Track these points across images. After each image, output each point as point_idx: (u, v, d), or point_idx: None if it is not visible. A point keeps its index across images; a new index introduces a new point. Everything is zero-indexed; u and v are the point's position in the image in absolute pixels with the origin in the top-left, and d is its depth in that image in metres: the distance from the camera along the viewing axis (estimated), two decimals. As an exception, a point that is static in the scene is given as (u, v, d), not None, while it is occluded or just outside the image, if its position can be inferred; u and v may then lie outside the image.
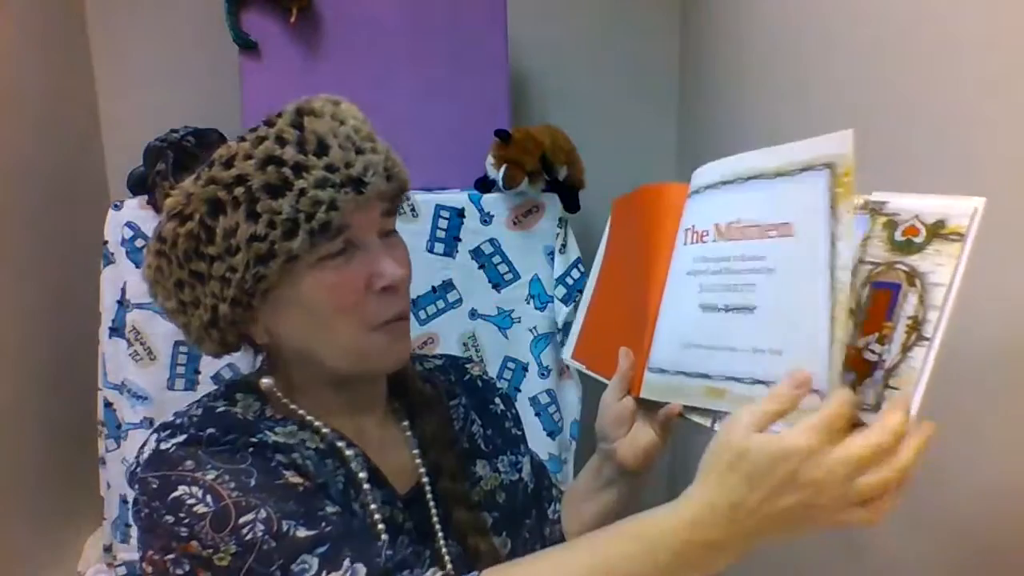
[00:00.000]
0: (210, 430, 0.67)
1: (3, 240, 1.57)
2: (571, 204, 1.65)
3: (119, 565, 1.62)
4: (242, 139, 0.68)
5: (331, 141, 0.68)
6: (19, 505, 1.59)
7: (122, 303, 1.56)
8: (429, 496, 0.79)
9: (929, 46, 0.88)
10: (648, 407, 0.77)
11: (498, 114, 1.67)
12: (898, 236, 0.57)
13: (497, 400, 0.93)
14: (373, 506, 0.73)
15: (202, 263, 0.68)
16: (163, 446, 0.66)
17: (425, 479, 0.79)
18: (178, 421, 0.70)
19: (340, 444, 0.74)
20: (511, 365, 1.67)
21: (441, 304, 1.64)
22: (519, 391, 1.66)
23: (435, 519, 0.78)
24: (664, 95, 2.13)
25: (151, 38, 2.00)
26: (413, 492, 0.79)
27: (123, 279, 1.56)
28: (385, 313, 0.71)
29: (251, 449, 0.67)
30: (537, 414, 1.66)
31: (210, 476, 0.63)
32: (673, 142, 2.15)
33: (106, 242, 1.57)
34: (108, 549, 1.65)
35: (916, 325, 0.54)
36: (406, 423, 0.82)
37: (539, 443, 1.64)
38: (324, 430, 0.74)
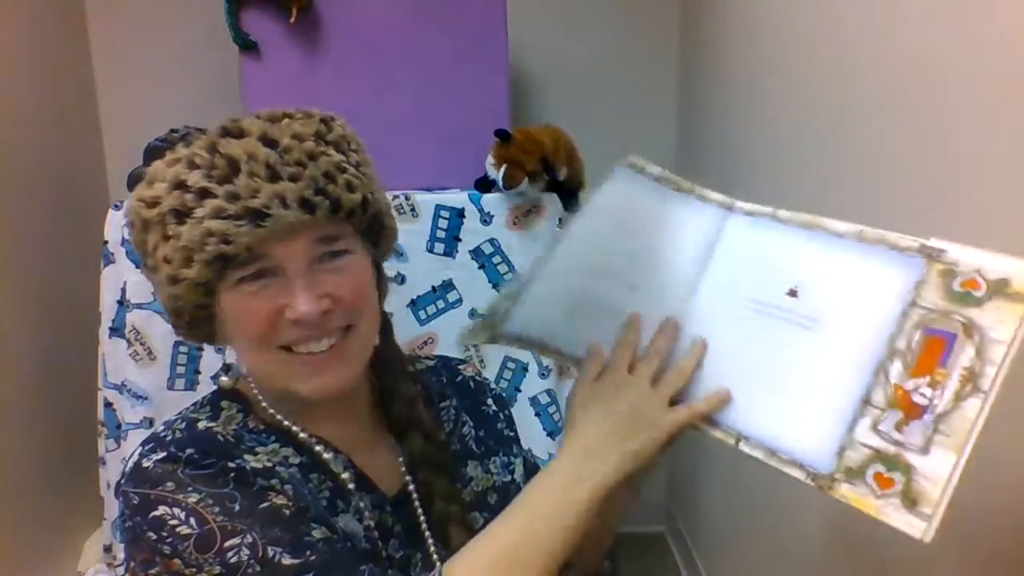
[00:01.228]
0: (189, 450, 0.67)
1: (3, 240, 1.57)
2: (571, 204, 1.66)
3: (119, 565, 1.62)
4: (167, 158, 0.67)
5: (243, 167, 0.65)
6: (19, 505, 1.59)
7: (122, 303, 1.56)
8: (415, 496, 0.79)
9: (938, 38, 0.88)
10: None
11: (498, 114, 1.67)
12: (956, 287, 0.58)
13: (489, 401, 0.92)
14: (362, 506, 0.73)
15: (151, 272, 0.70)
16: (144, 462, 0.66)
17: (411, 486, 0.79)
18: (162, 434, 0.70)
19: (319, 448, 0.74)
20: (511, 365, 1.66)
21: (441, 304, 1.64)
22: (519, 391, 1.66)
23: (422, 520, 0.78)
24: (664, 95, 2.13)
25: (151, 38, 2.00)
26: (401, 493, 0.79)
27: (123, 279, 1.56)
28: (296, 341, 0.69)
29: (232, 475, 0.66)
30: (537, 414, 1.66)
31: (192, 499, 0.63)
32: (673, 142, 2.15)
33: (106, 242, 1.57)
34: (108, 549, 1.65)
35: (971, 377, 0.56)
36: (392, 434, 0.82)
37: (539, 443, 1.64)
38: (302, 435, 0.74)
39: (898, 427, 0.58)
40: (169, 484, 0.64)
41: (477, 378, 0.94)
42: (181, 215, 0.65)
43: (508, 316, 0.78)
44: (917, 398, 0.58)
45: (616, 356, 0.72)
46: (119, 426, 1.60)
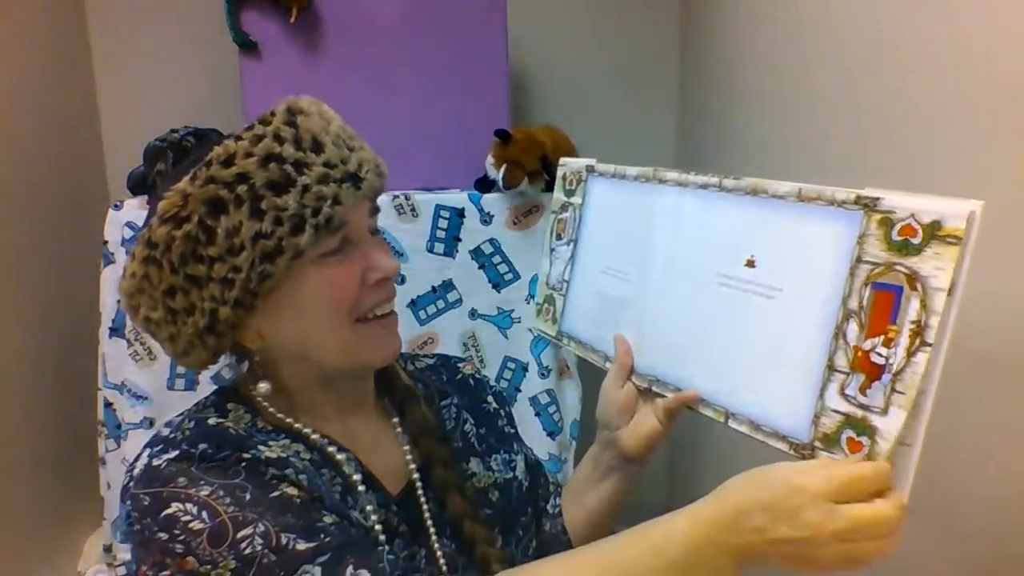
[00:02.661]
0: (202, 446, 0.66)
1: (3, 240, 1.57)
2: (571, 204, 1.66)
3: (119, 565, 1.62)
4: (238, 138, 0.67)
5: (324, 139, 0.69)
6: (19, 505, 1.59)
7: (122, 303, 1.56)
8: (420, 492, 0.79)
9: (934, 39, 0.88)
10: (650, 395, 0.78)
11: (498, 114, 1.67)
12: (895, 236, 0.57)
13: (490, 399, 0.93)
14: (370, 507, 0.73)
15: (200, 266, 0.67)
16: (155, 462, 0.66)
17: (416, 474, 0.80)
18: (171, 435, 0.69)
19: (332, 450, 0.74)
20: (511, 365, 1.66)
21: (441, 304, 1.64)
22: (519, 391, 1.66)
23: (427, 516, 0.78)
24: (664, 95, 2.13)
25: (151, 38, 2.00)
26: (404, 492, 0.79)
27: (123, 279, 1.56)
28: (378, 303, 0.73)
29: (244, 464, 0.66)
30: (537, 414, 1.66)
31: (204, 492, 0.63)
32: (673, 142, 2.15)
33: (106, 242, 1.57)
34: (108, 549, 1.65)
35: (920, 330, 0.54)
36: (396, 419, 0.83)
37: (539, 443, 1.64)
38: (314, 436, 0.74)
39: (862, 389, 0.58)
40: (181, 480, 0.64)
41: (476, 376, 0.94)
42: (280, 187, 0.66)
43: (563, 312, 0.90)
44: (875, 358, 0.57)
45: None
46: (119, 426, 1.60)
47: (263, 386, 0.74)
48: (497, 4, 1.67)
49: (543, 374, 1.65)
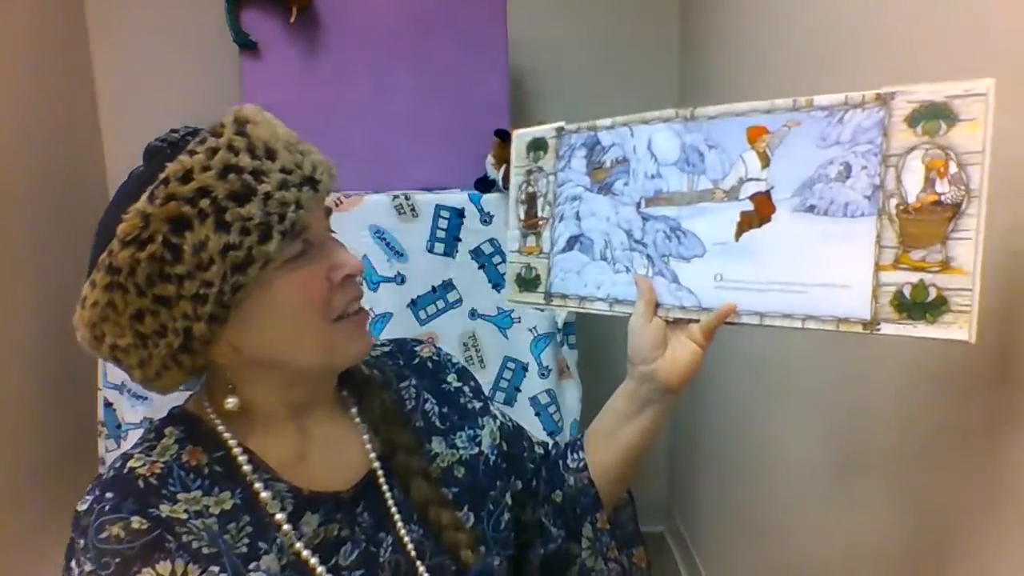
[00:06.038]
0: (109, 495, 0.69)
1: (3, 240, 1.57)
2: (571, 204, 1.66)
3: (119, 565, 1.62)
4: (191, 152, 0.67)
5: (276, 145, 0.69)
6: (19, 505, 1.59)
7: (122, 303, 1.56)
8: (383, 480, 0.79)
9: (944, 28, 0.88)
10: (680, 323, 0.80)
11: (498, 114, 1.68)
12: (922, 120, 0.63)
13: (451, 378, 0.93)
14: (298, 544, 0.72)
15: (168, 286, 0.66)
16: (80, 505, 0.70)
17: (377, 463, 0.80)
18: (108, 468, 0.73)
19: (259, 487, 0.73)
20: (511, 365, 1.67)
21: (441, 304, 1.64)
22: (519, 391, 1.66)
23: (391, 504, 0.78)
24: (664, 95, 2.13)
25: (151, 38, 2.00)
26: (364, 482, 0.79)
27: (123, 279, 1.56)
28: (348, 303, 0.74)
29: (117, 560, 0.65)
30: (537, 414, 1.66)
31: (87, 568, 0.65)
32: (673, 142, 2.15)
33: (106, 242, 1.57)
34: (108, 549, 1.65)
35: (966, 191, 0.61)
36: (354, 410, 0.83)
37: (539, 443, 1.64)
38: (246, 468, 0.73)
39: (913, 250, 0.64)
40: (80, 542, 0.67)
41: (435, 358, 0.94)
42: (242, 197, 0.66)
43: (549, 275, 0.90)
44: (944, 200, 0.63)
45: None
46: (119, 426, 1.60)
47: (231, 401, 0.75)
48: (497, 4, 1.67)
49: (543, 374, 1.65)
